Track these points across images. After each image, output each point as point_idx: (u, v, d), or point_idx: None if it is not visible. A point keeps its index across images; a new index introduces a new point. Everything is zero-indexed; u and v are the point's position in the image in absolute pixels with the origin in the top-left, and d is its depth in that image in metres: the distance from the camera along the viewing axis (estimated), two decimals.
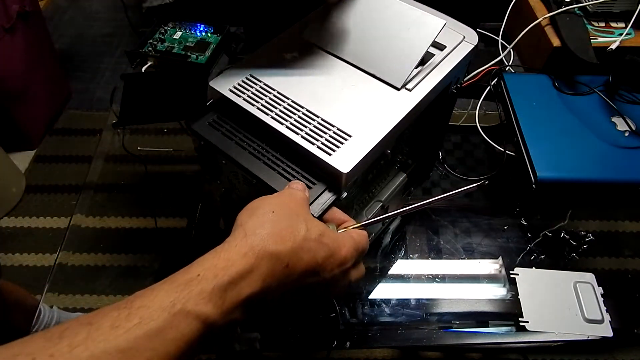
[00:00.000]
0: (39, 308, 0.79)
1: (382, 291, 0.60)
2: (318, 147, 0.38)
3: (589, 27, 0.76)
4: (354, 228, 0.37)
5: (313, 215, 0.37)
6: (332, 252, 0.32)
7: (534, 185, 0.65)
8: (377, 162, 0.47)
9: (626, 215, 0.68)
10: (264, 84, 0.43)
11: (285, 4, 0.59)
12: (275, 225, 0.31)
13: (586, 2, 0.77)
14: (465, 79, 0.74)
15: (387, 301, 0.59)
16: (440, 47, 0.47)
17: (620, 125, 0.69)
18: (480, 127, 0.75)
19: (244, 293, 0.28)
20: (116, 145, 0.76)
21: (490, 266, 0.63)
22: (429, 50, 0.44)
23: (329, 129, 0.40)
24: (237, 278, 0.28)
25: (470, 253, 0.64)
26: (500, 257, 0.63)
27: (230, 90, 0.43)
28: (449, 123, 0.59)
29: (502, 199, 0.70)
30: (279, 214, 0.32)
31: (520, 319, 0.56)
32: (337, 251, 0.32)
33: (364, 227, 0.37)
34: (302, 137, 0.39)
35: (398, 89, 0.43)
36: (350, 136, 0.39)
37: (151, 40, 0.77)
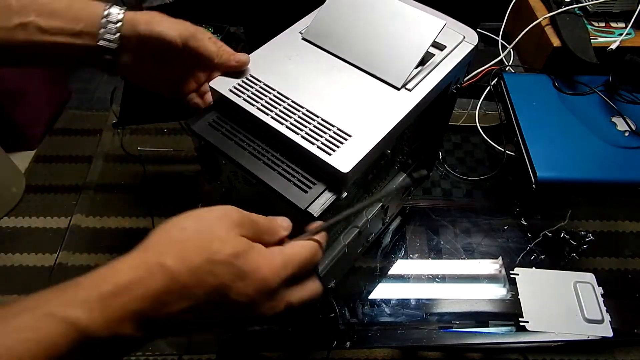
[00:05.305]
0: None
1: (382, 291, 0.60)
2: (318, 147, 0.38)
3: (589, 27, 0.76)
4: (302, 240, 0.34)
5: (312, 215, 0.37)
6: (244, 274, 0.29)
7: (534, 185, 0.65)
8: (377, 162, 0.47)
9: (626, 215, 0.68)
10: (264, 84, 0.43)
11: (286, 4, 0.59)
12: (180, 242, 0.29)
13: (586, 2, 0.77)
14: (465, 79, 0.74)
15: (387, 301, 0.59)
16: (440, 47, 0.47)
17: (620, 125, 0.69)
18: (480, 127, 0.75)
19: (131, 307, 0.26)
20: (116, 145, 0.76)
21: (490, 266, 0.63)
22: (429, 50, 0.44)
23: (329, 129, 0.40)
24: (122, 289, 0.27)
25: (470, 253, 0.64)
26: (500, 257, 0.63)
27: (230, 91, 0.43)
28: (449, 123, 0.59)
29: (502, 199, 0.70)
30: (190, 229, 0.30)
31: (520, 319, 0.56)
32: (253, 273, 0.29)
33: (324, 229, 0.35)
34: (302, 137, 0.39)
35: (398, 89, 0.43)
36: (350, 136, 0.39)
37: None
